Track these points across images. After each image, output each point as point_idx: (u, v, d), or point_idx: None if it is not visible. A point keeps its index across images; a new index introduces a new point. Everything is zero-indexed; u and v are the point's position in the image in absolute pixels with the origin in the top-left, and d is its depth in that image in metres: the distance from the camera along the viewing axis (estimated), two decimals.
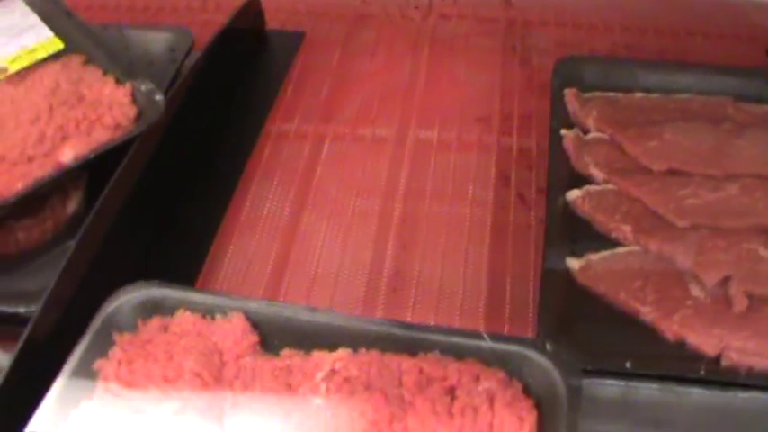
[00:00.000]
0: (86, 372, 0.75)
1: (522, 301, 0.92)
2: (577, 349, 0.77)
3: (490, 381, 0.73)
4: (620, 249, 0.91)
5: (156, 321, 0.79)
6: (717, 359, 0.81)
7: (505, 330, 0.90)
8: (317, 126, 1.15)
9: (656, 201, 0.94)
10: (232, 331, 0.77)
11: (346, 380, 0.73)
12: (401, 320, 0.77)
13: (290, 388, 0.73)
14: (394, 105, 1.17)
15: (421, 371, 0.73)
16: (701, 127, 1.02)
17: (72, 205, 0.96)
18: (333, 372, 0.73)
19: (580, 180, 0.98)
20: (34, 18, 1.09)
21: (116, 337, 0.77)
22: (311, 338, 0.77)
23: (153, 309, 0.79)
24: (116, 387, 0.74)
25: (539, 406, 0.72)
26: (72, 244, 0.88)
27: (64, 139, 0.96)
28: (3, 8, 1.09)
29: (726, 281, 0.86)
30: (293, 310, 0.79)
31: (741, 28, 1.29)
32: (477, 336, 0.75)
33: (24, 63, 1.03)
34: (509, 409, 0.71)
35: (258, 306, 0.79)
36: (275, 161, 1.10)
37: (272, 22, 1.32)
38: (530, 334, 0.88)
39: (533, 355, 0.73)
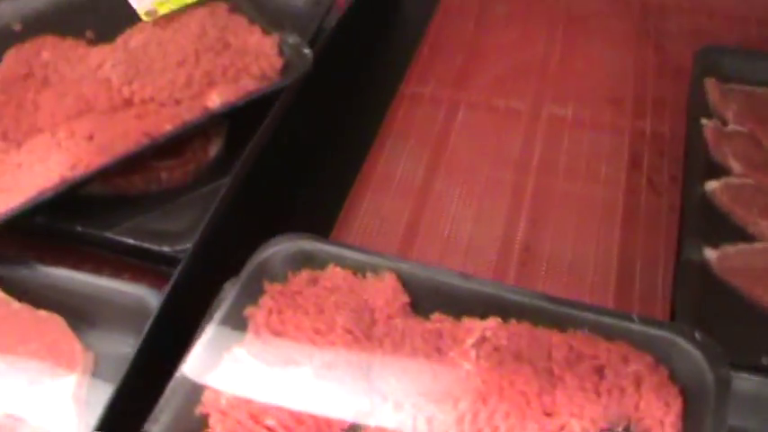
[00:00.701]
0: (237, 318, 0.77)
1: (650, 287, 0.92)
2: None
3: (638, 363, 0.73)
4: (758, 244, 0.90)
5: (305, 274, 0.80)
6: None
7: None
8: (452, 92, 1.15)
9: None
10: (384, 290, 0.78)
11: (496, 349, 0.73)
12: (552, 295, 0.77)
13: (439, 352, 0.74)
14: (528, 79, 1.16)
15: (571, 347, 0.74)
16: None
17: (213, 149, 0.97)
18: (483, 339, 0.74)
19: (717, 171, 0.97)
20: None
21: (267, 286, 0.78)
22: (461, 304, 0.77)
23: (303, 261, 0.80)
24: (267, 335, 0.75)
25: (683, 393, 0.72)
26: (216, 186, 0.90)
27: (210, 84, 0.97)
28: None
29: None
30: (446, 274, 0.79)
31: None
32: (627, 317, 0.75)
33: (172, 6, 1.05)
34: (655, 394, 0.71)
35: (410, 267, 0.79)
36: (409, 123, 1.10)
37: None
38: None
39: (682, 342, 0.73)
